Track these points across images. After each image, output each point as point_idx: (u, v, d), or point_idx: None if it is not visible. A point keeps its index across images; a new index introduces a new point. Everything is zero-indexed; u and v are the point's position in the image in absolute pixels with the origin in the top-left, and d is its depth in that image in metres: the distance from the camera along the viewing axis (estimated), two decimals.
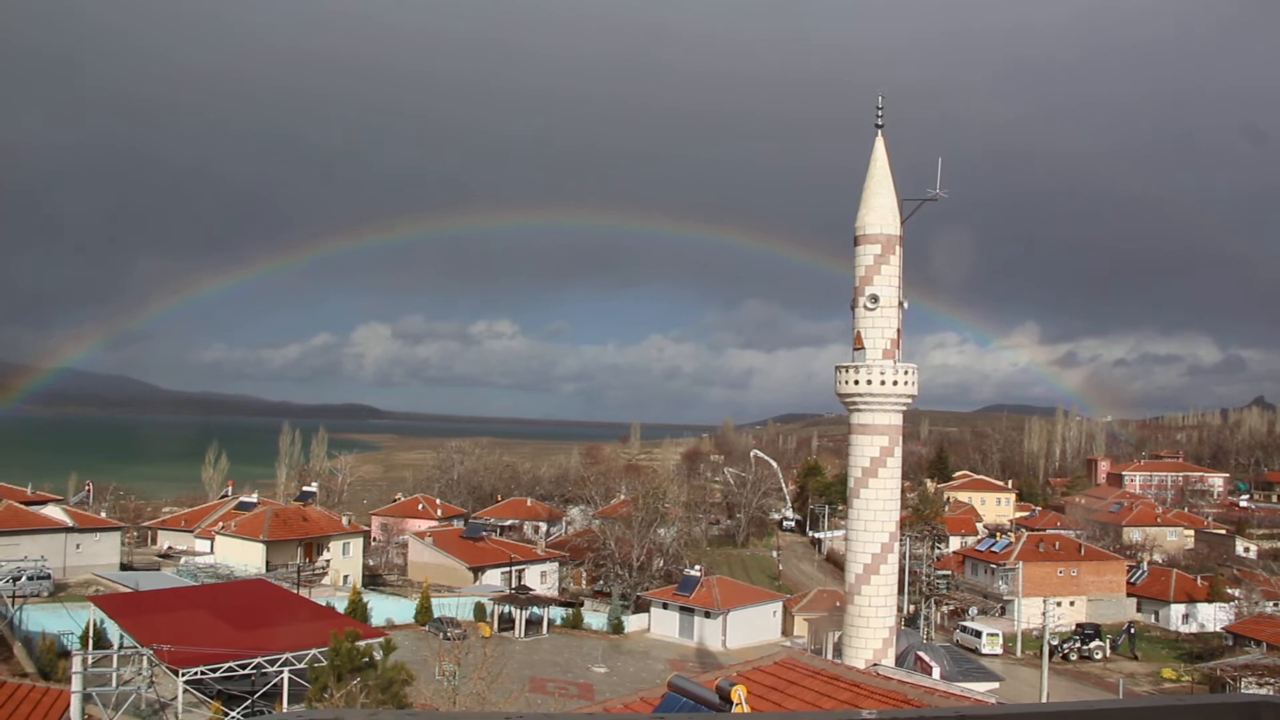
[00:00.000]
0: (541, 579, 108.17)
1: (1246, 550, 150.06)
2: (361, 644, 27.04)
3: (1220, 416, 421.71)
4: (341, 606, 78.12)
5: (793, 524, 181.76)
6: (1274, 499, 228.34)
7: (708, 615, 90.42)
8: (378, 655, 26.06)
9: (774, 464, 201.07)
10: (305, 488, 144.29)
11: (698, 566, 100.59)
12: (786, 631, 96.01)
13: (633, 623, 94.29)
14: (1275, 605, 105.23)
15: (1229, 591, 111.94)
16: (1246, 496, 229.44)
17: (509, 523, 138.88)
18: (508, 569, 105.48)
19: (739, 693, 19.67)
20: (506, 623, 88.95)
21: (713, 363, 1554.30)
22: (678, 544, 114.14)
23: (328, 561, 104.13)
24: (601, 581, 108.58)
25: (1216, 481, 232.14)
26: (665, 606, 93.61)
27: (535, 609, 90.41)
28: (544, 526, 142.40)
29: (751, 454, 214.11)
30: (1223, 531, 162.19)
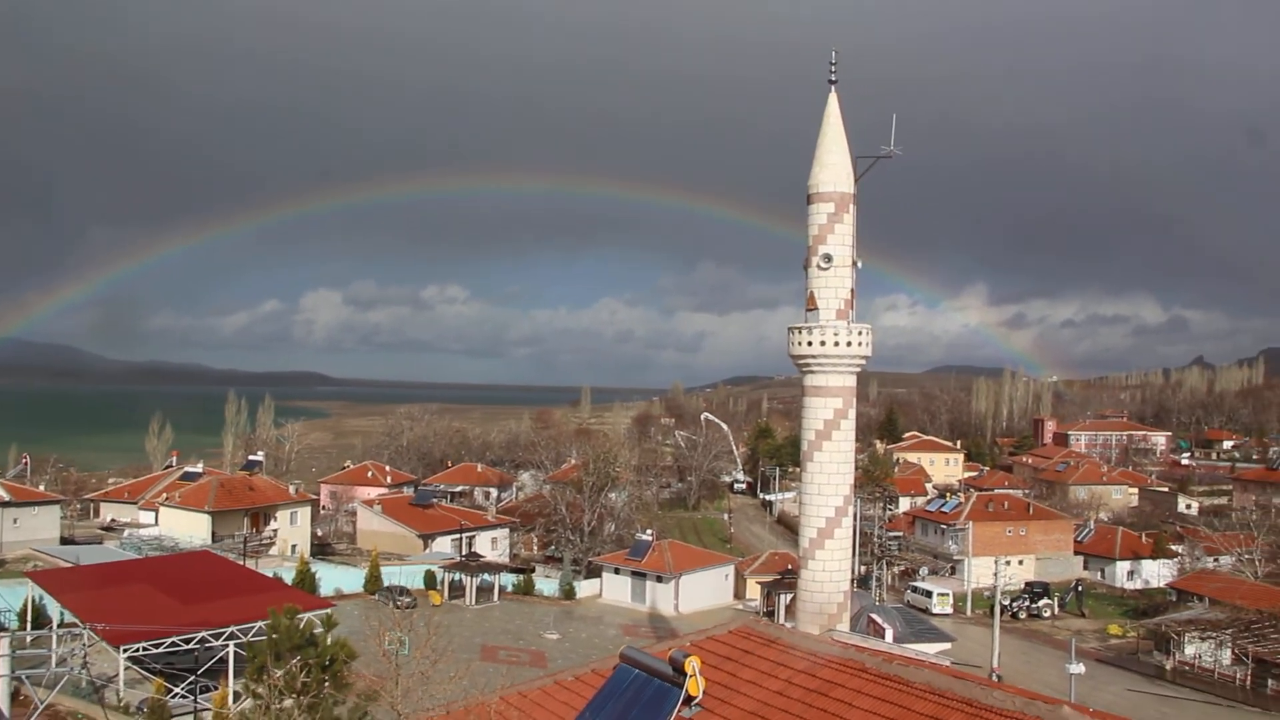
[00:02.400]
0: (492, 545, 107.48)
1: (1188, 507, 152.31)
2: (304, 618, 26.14)
3: (1162, 376, 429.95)
4: (289, 577, 76.91)
5: (743, 486, 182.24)
6: (1214, 456, 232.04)
7: (660, 580, 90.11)
8: (320, 630, 25.28)
9: (725, 426, 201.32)
10: (252, 456, 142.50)
11: (649, 530, 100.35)
12: (739, 595, 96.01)
13: (584, 588, 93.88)
14: (1216, 561, 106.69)
15: (1172, 548, 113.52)
16: (1188, 454, 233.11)
17: (459, 489, 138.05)
18: (458, 536, 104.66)
19: (692, 664, 19.10)
20: (457, 590, 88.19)
21: (665, 326, 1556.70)
22: (629, 508, 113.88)
23: (275, 531, 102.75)
24: (553, 547, 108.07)
25: (1159, 440, 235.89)
26: (617, 571, 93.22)
27: (486, 576, 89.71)
28: (494, 492, 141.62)
29: (702, 417, 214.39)
30: (1165, 489, 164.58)
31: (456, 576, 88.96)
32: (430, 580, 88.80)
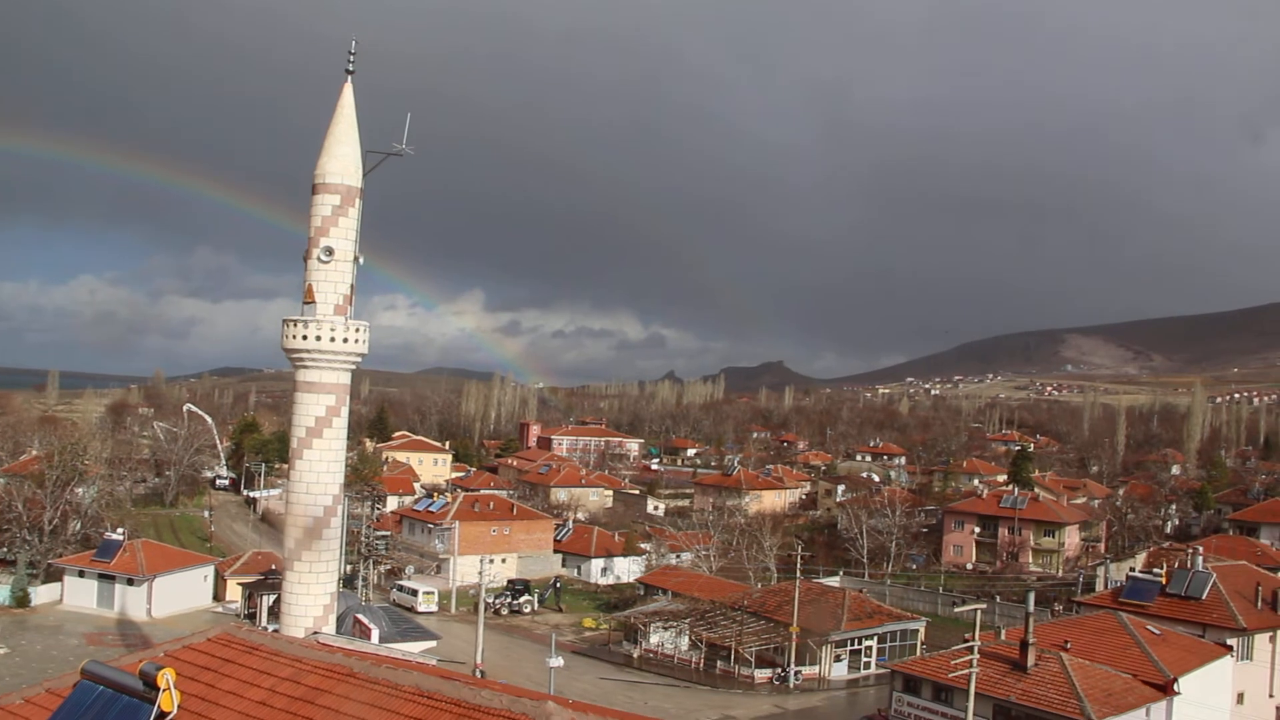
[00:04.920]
0: None
1: (656, 508, 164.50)
2: None
3: (638, 388, 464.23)
4: None
5: (226, 482, 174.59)
6: (679, 462, 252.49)
7: (131, 582, 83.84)
8: None
9: (208, 419, 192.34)
10: None
11: (120, 529, 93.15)
12: (220, 596, 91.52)
13: (43, 594, 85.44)
14: (679, 557, 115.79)
15: (641, 546, 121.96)
16: (657, 460, 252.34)
17: None
18: None
19: (166, 676, 17.62)
20: None
21: (151, 310, 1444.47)
22: (98, 505, 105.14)
23: None
24: (5, 549, 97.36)
25: (633, 446, 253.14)
26: (82, 574, 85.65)
27: None
28: None
29: (185, 408, 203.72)
30: (637, 492, 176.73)
31: None
32: None
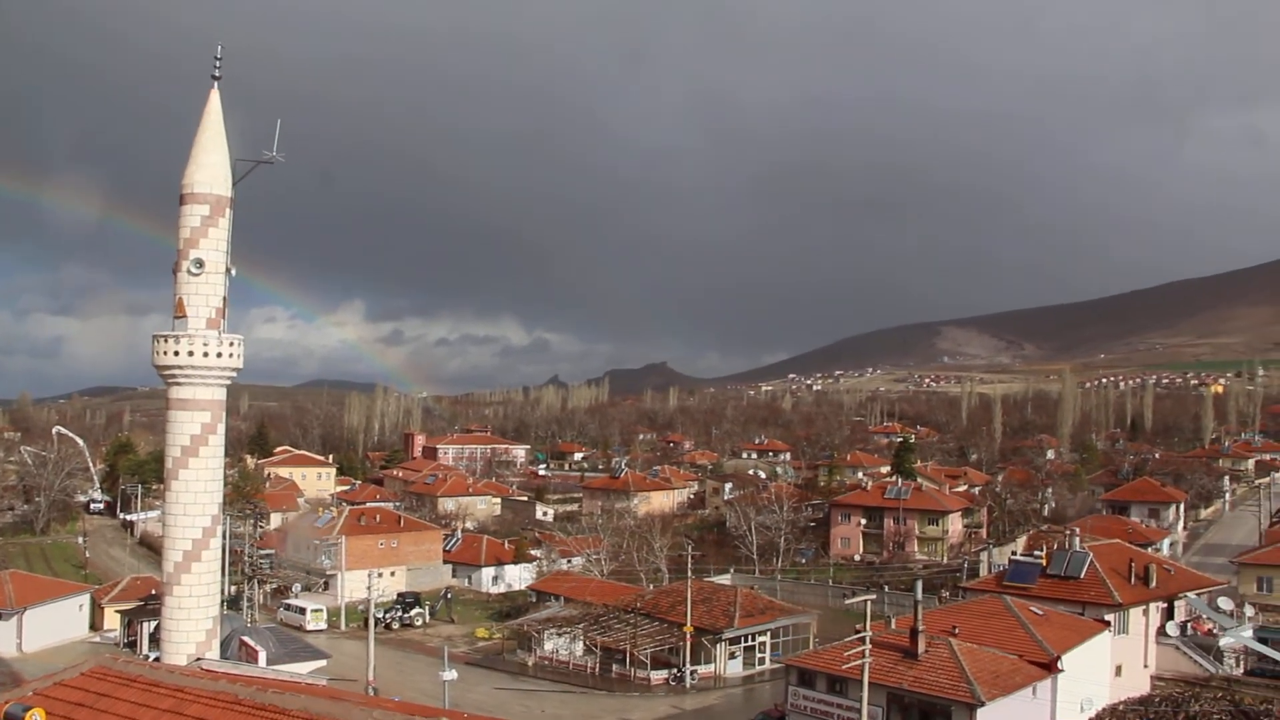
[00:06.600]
0: None
1: (545, 514, 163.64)
2: None
3: (523, 393, 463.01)
4: None
5: (101, 506, 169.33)
6: (567, 466, 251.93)
7: None
8: None
9: (80, 441, 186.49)
10: None
11: None
12: (98, 626, 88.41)
13: None
14: (569, 562, 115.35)
15: (532, 553, 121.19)
16: (544, 465, 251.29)
17: None
18: None
19: (35, 717, 16.77)
20: None
21: (16, 329, 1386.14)
22: None
23: None
24: None
25: (519, 452, 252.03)
26: None
27: None
28: None
29: (54, 430, 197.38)
30: (525, 498, 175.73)
31: None
32: None
